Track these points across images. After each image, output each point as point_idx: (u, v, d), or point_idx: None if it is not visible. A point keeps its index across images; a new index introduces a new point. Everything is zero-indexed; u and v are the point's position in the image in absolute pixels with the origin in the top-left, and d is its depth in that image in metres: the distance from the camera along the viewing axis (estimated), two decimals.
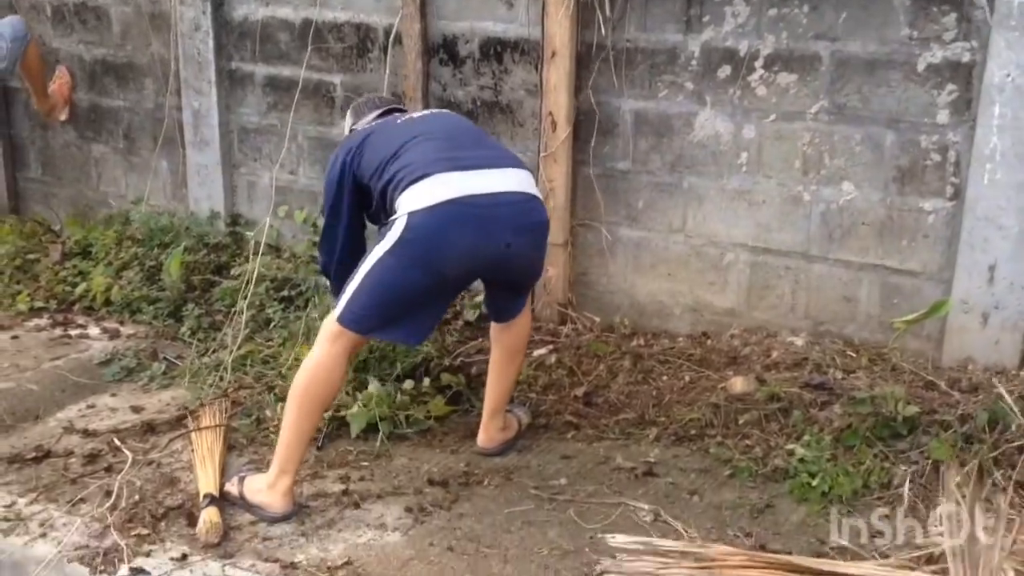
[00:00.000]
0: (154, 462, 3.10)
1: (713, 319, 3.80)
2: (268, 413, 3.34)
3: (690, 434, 3.21)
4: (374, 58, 4.31)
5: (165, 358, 3.86)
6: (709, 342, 3.72)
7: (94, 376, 3.76)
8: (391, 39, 4.17)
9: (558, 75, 3.75)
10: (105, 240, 4.70)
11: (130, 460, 3.08)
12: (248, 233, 4.48)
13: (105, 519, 2.74)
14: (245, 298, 3.90)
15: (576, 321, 3.95)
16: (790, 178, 3.56)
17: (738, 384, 3.31)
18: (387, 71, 4.20)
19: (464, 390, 3.43)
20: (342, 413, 3.24)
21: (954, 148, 3.28)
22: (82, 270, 4.59)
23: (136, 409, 3.49)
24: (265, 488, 2.78)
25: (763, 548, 2.56)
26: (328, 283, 3.34)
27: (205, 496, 2.81)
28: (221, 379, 3.58)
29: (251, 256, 4.07)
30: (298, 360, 3.10)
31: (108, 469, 3.05)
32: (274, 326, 3.89)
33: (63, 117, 5.24)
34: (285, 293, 4.07)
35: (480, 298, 3.59)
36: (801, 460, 2.93)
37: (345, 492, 2.91)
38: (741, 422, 3.19)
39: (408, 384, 3.34)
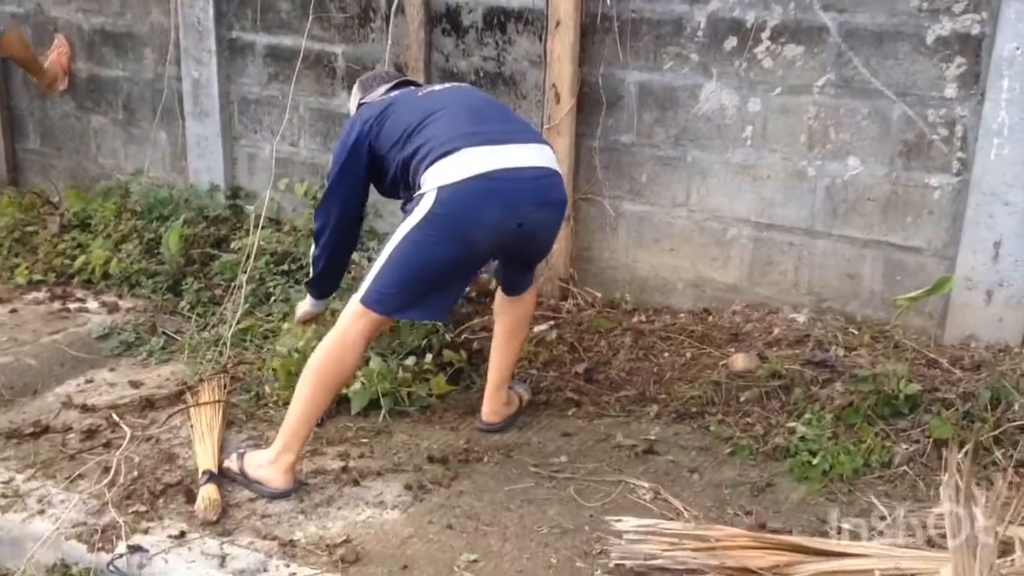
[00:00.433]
0: (153, 438, 3.09)
1: (715, 295, 3.78)
2: (267, 389, 3.33)
3: (691, 411, 3.20)
4: (376, 28, 4.25)
5: (164, 332, 3.85)
6: (711, 318, 3.70)
7: (93, 350, 3.75)
8: (393, 8, 4.11)
9: (562, 46, 3.70)
10: (104, 212, 4.67)
11: (128, 436, 3.06)
12: (248, 206, 4.46)
13: (103, 496, 2.73)
14: (245, 272, 3.87)
15: (577, 296, 3.93)
16: (795, 152, 3.51)
17: (739, 361, 3.29)
18: (389, 41, 4.15)
19: (465, 366, 3.41)
20: (343, 390, 3.22)
21: (961, 122, 3.23)
22: (81, 243, 4.57)
23: (135, 384, 3.47)
24: (266, 464, 2.77)
25: (763, 527, 2.55)
26: (311, 254, 3.27)
27: (204, 473, 2.80)
28: (220, 354, 3.57)
29: (251, 229, 4.04)
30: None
31: (107, 445, 3.04)
32: (274, 300, 3.87)
33: (62, 87, 5.19)
34: (285, 267, 4.05)
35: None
36: (802, 438, 2.92)
37: (344, 469, 2.89)
38: (742, 399, 3.17)
39: (411, 360, 3.32)
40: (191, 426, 3.11)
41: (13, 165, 5.63)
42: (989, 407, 2.89)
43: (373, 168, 2.93)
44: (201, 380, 3.41)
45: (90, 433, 3.11)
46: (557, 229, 2.92)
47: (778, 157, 3.54)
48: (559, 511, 2.69)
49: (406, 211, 2.74)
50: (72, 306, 4.15)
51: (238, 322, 3.69)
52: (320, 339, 2.82)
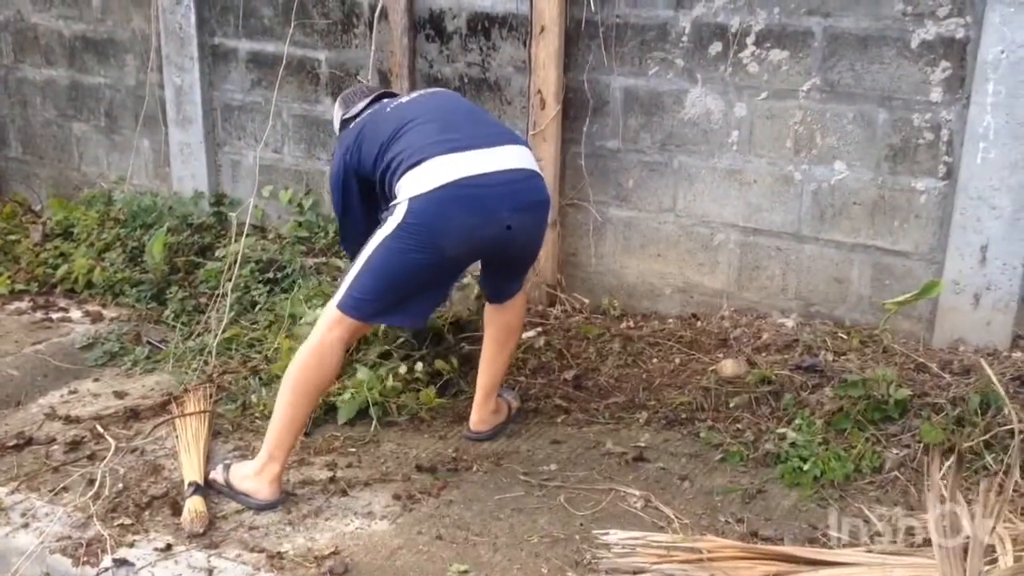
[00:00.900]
0: (138, 449, 3.05)
1: (703, 300, 3.77)
2: (254, 398, 3.29)
3: (680, 418, 3.19)
4: (359, 34, 4.23)
5: (148, 342, 3.81)
6: (699, 324, 3.69)
7: (76, 360, 3.70)
8: (377, 14, 4.10)
9: (547, 52, 3.69)
10: (87, 221, 4.63)
11: (113, 447, 3.03)
12: (232, 213, 4.42)
13: (88, 509, 2.69)
14: (230, 280, 3.84)
15: (565, 303, 3.92)
16: (781, 157, 3.51)
17: (728, 367, 3.29)
18: (372, 47, 4.13)
19: (454, 376, 3.39)
20: (331, 399, 3.20)
21: (947, 126, 3.24)
22: (64, 251, 4.53)
23: (119, 394, 3.44)
24: (252, 475, 2.74)
25: (755, 535, 2.54)
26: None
27: (190, 484, 2.77)
28: (206, 363, 3.54)
29: (235, 237, 4.01)
30: (291, 350, 3.04)
31: (91, 457, 3.01)
32: (259, 309, 3.84)
33: None
34: (270, 275, 4.01)
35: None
36: (792, 444, 2.91)
37: (332, 479, 2.87)
38: (732, 405, 3.16)
39: (403, 369, 3.29)
40: (176, 437, 3.07)
41: None
42: (979, 411, 2.89)
43: (366, 190, 2.94)
44: (186, 390, 3.37)
45: (74, 445, 3.07)
46: (540, 233, 2.90)
47: (764, 162, 3.54)
48: (549, 520, 2.67)
49: (381, 220, 2.74)
50: (55, 316, 4.11)
51: (223, 331, 3.65)
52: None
